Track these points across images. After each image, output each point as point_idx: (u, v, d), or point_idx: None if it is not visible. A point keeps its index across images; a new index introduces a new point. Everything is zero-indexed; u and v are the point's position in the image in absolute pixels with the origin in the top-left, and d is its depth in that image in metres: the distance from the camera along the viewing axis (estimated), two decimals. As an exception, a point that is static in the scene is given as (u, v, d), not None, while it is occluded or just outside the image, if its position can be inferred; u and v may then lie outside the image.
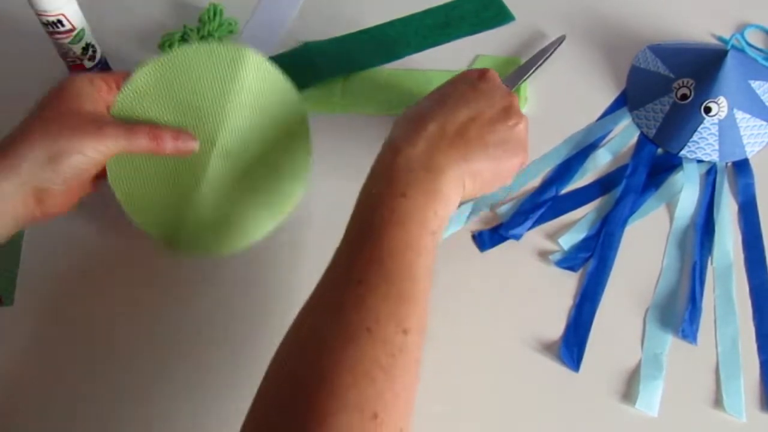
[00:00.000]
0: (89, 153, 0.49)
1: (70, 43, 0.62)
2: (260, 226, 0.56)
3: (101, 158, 0.50)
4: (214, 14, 0.71)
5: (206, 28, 0.70)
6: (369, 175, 0.48)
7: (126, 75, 0.54)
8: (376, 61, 0.70)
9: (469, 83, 0.52)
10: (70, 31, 0.61)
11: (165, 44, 0.69)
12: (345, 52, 0.70)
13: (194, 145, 0.54)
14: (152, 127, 0.52)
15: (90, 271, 0.59)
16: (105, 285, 0.58)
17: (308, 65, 0.69)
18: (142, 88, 0.54)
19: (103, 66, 0.67)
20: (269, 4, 0.74)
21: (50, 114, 0.49)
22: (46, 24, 0.60)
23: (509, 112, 0.51)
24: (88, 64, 0.65)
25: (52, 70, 0.69)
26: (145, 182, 0.55)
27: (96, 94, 0.52)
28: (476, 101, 0.50)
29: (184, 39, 0.69)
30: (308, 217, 0.61)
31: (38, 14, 0.59)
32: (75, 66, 0.65)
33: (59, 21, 0.60)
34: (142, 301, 0.57)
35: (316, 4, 0.74)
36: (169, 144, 0.52)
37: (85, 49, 0.64)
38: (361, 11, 0.73)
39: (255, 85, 0.56)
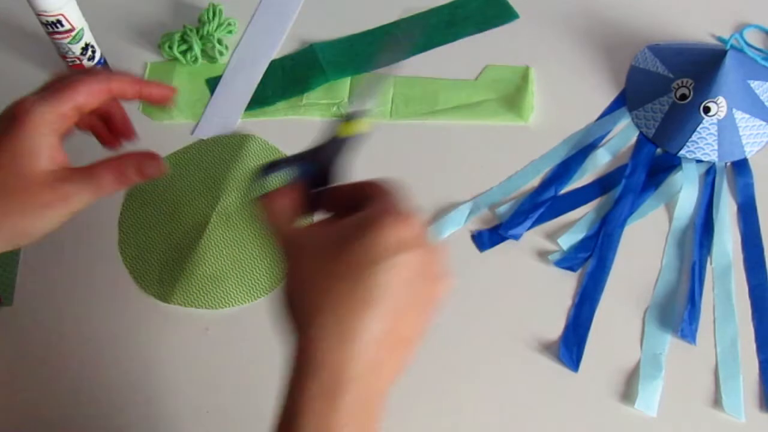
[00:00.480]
0: (57, 221, 0.44)
1: (69, 42, 0.62)
2: (257, 289, 0.58)
3: (72, 214, 0.45)
4: (214, 14, 0.71)
5: (206, 28, 0.70)
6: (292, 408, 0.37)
7: (74, 87, 0.46)
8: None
9: (392, 250, 0.39)
10: (70, 31, 0.61)
11: (164, 44, 0.69)
12: (351, 53, 0.70)
13: (160, 166, 0.47)
14: (115, 165, 0.46)
15: (89, 271, 0.59)
16: (105, 285, 0.58)
17: (314, 66, 0.69)
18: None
19: (103, 66, 0.67)
20: (270, 5, 0.74)
21: (7, 188, 0.43)
22: (46, 24, 0.60)
23: (436, 278, 0.41)
24: (87, 63, 0.65)
25: (52, 70, 0.69)
26: (152, 245, 0.59)
27: (53, 140, 0.44)
28: (407, 288, 0.39)
29: (183, 39, 0.69)
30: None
31: (38, 14, 0.59)
32: (75, 66, 0.65)
33: (59, 21, 0.60)
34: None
35: (318, 4, 0.74)
36: (134, 174, 0.46)
37: (85, 48, 0.64)
38: (362, 11, 0.73)
39: (257, 161, 0.63)
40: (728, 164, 0.63)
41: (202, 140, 0.65)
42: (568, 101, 0.67)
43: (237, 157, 0.63)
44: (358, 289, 0.38)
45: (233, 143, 0.64)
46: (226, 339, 0.56)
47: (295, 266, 0.41)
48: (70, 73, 0.46)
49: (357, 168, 0.63)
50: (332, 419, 0.37)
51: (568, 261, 0.58)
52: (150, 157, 0.47)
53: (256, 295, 0.57)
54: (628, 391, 0.53)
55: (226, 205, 0.61)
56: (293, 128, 0.65)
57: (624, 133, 0.65)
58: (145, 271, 0.59)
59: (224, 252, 0.59)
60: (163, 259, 0.59)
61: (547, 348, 0.55)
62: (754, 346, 0.55)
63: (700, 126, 0.62)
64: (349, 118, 0.43)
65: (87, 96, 0.46)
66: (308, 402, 0.37)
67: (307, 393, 0.37)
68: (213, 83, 0.68)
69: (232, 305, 0.57)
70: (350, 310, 0.38)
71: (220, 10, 0.71)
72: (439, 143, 0.64)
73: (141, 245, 0.60)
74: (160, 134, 0.65)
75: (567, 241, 0.59)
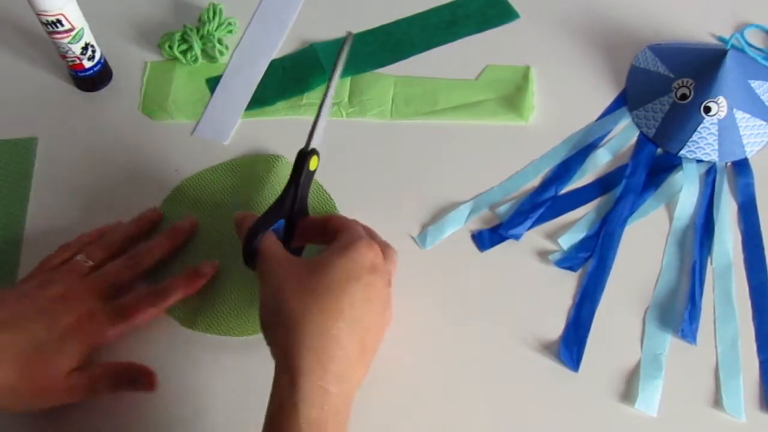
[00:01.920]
0: (48, 406, 0.51)
1: (69, 42, 0.62)
2: None
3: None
4: (214, 14, 0.71)
5: (206, 27, 0.70)
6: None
7: None
8: (383, 61, 0.69)
9: (366, 270, 0.46)
10: (70, 30, 0.61)
11: (164, 44, 0.69)
12: (351, 52, 0.70)
13: (155, 385, 0.52)
14: (111, 375, 0.51)
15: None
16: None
17: (314, 66, 0.69)
18: (188, 195, 0.61)
19: (103, 65, 0.67)
20: (270, 5, 0.74)
21: (34, 377, 0.49)
22: (46, 24, 0.60)
23: (389, 304, 0.49)
24: (87, 63, 0.65)
25: (52, 70, 0.69)
26: (175, 269, 0.57)
27: (83, 349, 0.51)
28: (372, 306, 0.46)
29: (183, 39, 0.69)
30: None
31: (38, 14, 0.59)
32: (74, 65, 0.65)
33: (59, 21, 0.60)
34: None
35: (318, 4, 0.74)
36: (125, 385, 0.52)
37: (85, 48, 0.64)
38: (362, 11, 0.73)
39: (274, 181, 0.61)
40: (729, 164, 0.63)
41: (235, 160, 0.63)
42: (568, 101, 0.67)
43: (265, 181, 0.62)
44: (333, 302, 0.44)
45: (263, 165, 0.63)
46: (242, 365, 0.56)
47: (275, 282, 0.46)
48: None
49: (358, 168, 0.63)
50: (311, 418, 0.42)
51: (568, 261, 0.58)
52: (145, 373, 0.51)
53: None
54: (628, 391, 0.53)
55: None
56: (293, 128, 0.65)
57: (624, 133, 0.65)
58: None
59: (246, 281, 0.57)
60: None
61: (547, 348, 0.55)
62: (754, 346, 0.55)
63: (701, 126, 0.62)
64: (313, 152, 0.52)
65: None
66: (291, 407, 0.42)
67: (290, 397, 0.42)
68: (213, 83, 0.68)
69: (251, 334, 0.55)
70: (327, 321, 0.43)
71: (221, 10, 0.71)
72: (440, 143, 0.64)
73: (166, 266, 0.58)
74: (160, 134, 0.65)
75: (567, 240, 0.59)
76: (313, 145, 0.52)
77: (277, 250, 0.48)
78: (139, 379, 0.51)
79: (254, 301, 0.54)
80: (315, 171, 0.53)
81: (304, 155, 0.52)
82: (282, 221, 0.51)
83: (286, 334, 0.43)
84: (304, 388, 0.42)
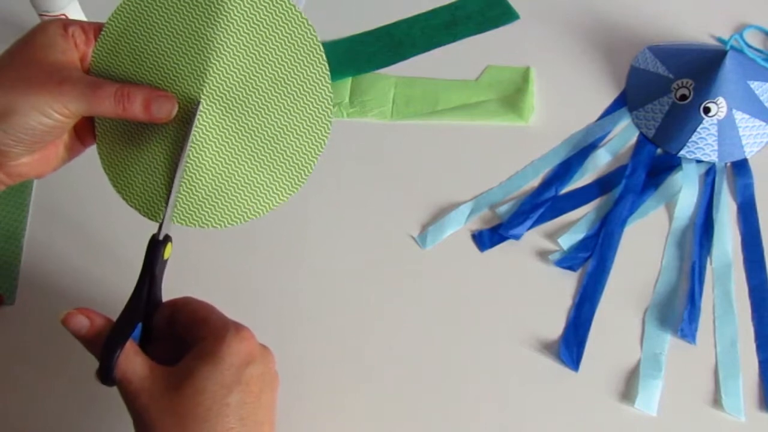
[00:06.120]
0: (46, 113, 0.40)
1: (71, 43, 0.62)
2: (271, 195, 0.45)
3: (63, 119, 0.40)
4: (215, 14, 0.70)
5: (207, 28, 0.70)
6: None
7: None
8: (383, 61, 0.70)
9: (243, 383, 0.41)
10: (72, 31, 0.61)
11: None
12: (352, 53, 0.70)
13: (171, 109, 0.43)
14: (121, 87, 0.41)
15: (92, 270, 0.59)
16: (106, 283, 0.59)
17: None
18: (117, 36, 0.45)
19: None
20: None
21: (8, 63, 0.40)
22: (48, 24, 0.60)
23: (274, 381, 0.44)
24: (89, 64, 0.65)
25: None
26: (131, 142, 0.45)
27: (68, 43, 0.43)
28: (257, 399, 0.41)
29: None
30: (303, 230, 0.61)
31: (40, 14, 0.60)
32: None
33: (60, 21, 0.60)
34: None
35: (318, 4, 0.74)
36: (138, 110, 0.42)
37: (87, 49, 0.64)
38: (362, 11, 0.73)
39: (247, 15, 0.44)
40: (728, 164, 0.63)
41: None
42: (568, 101, 0.67)
43: (217, 8, 0.44)
44: (216, 420, 0.39)
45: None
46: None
47: (145, 416, 0.39)
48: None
49: (358, 168, 0.63)
50: None
51: (568, 261, 0.58)
52: (164, 96, 0.43)
53: (270, 202, 0.45)
54: (628, 391, 0.53)
55: (219, 79, 0.44)
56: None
57: (624, 134, 0.65)
58: (127, 179, 0.46)
59: (224, 150, 0.44)
60: (145, 161, 0.45)
61: (547, 348, 0.55)
62: (753, 346, 0.55)
63: (700, 126, 0.62)
64: (167, 240, 0.44)
65: (92, 23, 0.45)
66: None
67: None
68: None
69: (243, 220, 0.45)
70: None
71: (222, 11, 0.71)
72: (440, 143, 0.65)
73: (116, 143, 0.45)
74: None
75: (567, 240, 0.59)
76: (165, 230, 0.43)
77: (138, 369, 0.40)
78: (156, 101, 0.43)
79: (231, 176, 0.45)
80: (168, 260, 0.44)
81: (157, 243, 0.43)
82: (140, 324, 0.43)
83: None
84: None
